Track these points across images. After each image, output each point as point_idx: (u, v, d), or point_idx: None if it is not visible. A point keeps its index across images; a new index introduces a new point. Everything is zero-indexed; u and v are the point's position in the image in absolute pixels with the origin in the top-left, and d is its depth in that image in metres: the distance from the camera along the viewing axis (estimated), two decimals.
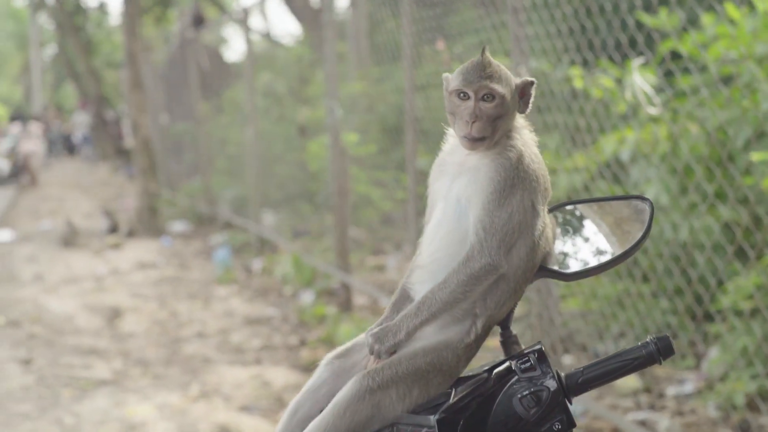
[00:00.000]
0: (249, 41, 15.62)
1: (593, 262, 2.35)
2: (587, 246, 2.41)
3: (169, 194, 22.91)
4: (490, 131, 2.25)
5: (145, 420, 7.57)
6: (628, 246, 2.31)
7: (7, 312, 11.68)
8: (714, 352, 6.49)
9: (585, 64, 6.87)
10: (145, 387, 8.50)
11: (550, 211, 2.47)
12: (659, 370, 6.94)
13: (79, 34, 35.29)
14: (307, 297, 11.50)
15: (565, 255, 2.41)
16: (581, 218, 2.48)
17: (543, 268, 2.33)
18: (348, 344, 2.38)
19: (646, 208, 2.34)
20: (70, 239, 17.47)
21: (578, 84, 6.67)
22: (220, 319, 11.05)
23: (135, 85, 19.30)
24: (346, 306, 10.62)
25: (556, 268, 2.35)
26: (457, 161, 2.33)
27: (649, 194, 6.57)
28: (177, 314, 11.42)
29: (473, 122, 2.24)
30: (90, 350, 9.81)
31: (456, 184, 2.30)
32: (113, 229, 18.49)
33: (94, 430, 7.40)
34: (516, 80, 2.30)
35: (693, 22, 7.17)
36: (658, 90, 6.71)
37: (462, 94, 2.28)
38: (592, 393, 6.80)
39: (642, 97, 6.35)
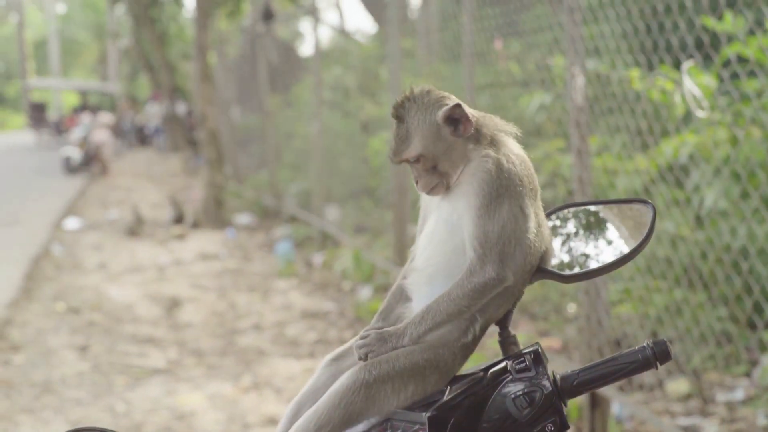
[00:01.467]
0: (317, 35, 15.65)
1: (593, 264, 2.34)
2: (587, 248, 2.40)
3: (236, 187, 23.05)
4: (436, 180, 2.29)
5: (195, 409, 7.62)
6: (629, 249, 2.29)
7: (68, 299, 11.83)
8: (767, 360, 6.36)
9: (649, 66, 6.76)
10: (197, 377, 8.55)
11: (551, 213, 2.48)
12: (711, 375, 6.82)
13: (154, 25, 35.64)
14: (365, 293, 11.49)
15: (565, 257, 2.40)
16: (582, 220, 2.46)
17: (542, 269, 2.32)
18: (346, 345, 2.40)
19: (649, 210, 2.32)
20: (136, 229, 17.65)
21: (635, 86, 6.57)
22: (277, 312, 11.09)
23: (204, 78, 19.44)
24: None
25: (555, 269, 2.34)
26: None
27: (709, 199, 6.45)
28: (235, 306, 11.48)
29: (416, 182, 2.32)
30: (147, 339, 9.89)
31: (444, 202, 2.33)
32: (179, 219, 18.63)
33: (144, 418, 7.46)
34: (440, 112, 2.27)
35: (760, 23, 7.02)
36: (722, 93, 6.59)
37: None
38: (639, 397, 6.71)
39: (691, 99, 6.23)
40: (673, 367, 6.81)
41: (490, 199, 2.21)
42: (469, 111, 2.29)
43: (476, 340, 2.27)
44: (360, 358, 2.25)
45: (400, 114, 2.29)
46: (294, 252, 14.67)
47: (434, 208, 2.35)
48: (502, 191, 2.21)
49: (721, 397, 6.60)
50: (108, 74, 59.79)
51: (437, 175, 2.28)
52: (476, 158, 2.26)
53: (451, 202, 2.29)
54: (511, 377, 2.16)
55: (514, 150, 2.29)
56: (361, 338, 2.29)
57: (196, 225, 18.39)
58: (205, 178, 19.27)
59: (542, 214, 2.33)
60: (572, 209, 2.50)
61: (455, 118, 2.27)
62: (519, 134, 2.35)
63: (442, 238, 2.30)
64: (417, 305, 2.32)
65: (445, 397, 2.17)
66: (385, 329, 2.27)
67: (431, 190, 2.30)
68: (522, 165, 2.27)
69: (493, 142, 2.29)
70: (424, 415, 2.12)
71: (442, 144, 2.27)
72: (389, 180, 11.49)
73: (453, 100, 2.29)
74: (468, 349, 2.27)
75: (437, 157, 2.27)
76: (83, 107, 38.57)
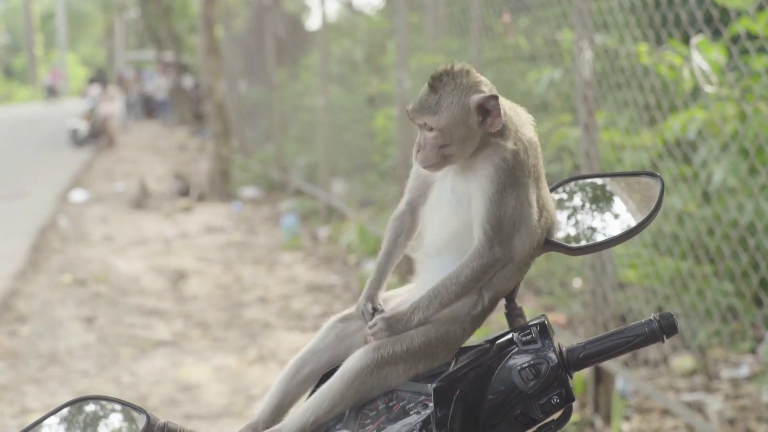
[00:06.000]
0: (324, 8, 15.59)
1: (600, 237, 2.33)
2: (594, 221, 2.38)
3: (243, 160, 23.03)
4: (437, 159, 2.24)
5: (199, 381, 7.64)
6: (636, 222, 2.28)
7: (75, 271, 11.85)
8: None
9: (657, 40, 6.73)
10: (203, 349, 8.57)
11: (558, 186, 2.46)
12: (716, 352, 6.82)
13: None
14: (370, 266, 11.48)
15: (572, 230, 2.38)
16: (588, 193, 2.44)
17: (549, 242, 2.31)
18: (352, 308, 2.37)
19: (657, 184, 2.30)
20: (142, 201, 17.66)
21: (643, 61, 6.53)
22: (282, 285, 11.10)
23: (210, 51, 19.40)
24: (407, 275, 10.58)
25: (562, 242, 2.33)
26: None
27: (717, 175, 6.43)
28: (241, 279, 11.50)
29: (417, 151, 2.25)
30: (152, 311, 9.91)
31: (453, 177, 2.29)
32: (184, 192, 18.63)
33: (149, 390, 7.48)
34: (475, 97, 2.22)
35: None
36: (731, 68, 6.56)
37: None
38: (644, 372, 6.71)
39: (700, 74, 6.20)
40: (678, 342, 6.80)
41: (504, 186, 2.19)
42: (503, 104, 2.24)
43: (485, 313, 2.27)
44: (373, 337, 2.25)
45: (435, 85, 2.24)
46: (299, 225, 14.67)
47: (438, 179, 2.32)
48: (514, 180, 2.20)
49: (725, 373, 6.60)
50: (115, 47, 59.66)
51: (441, 155, 2.23)
52: (493, 144, 2.23)
53: (462, 181, 2.26)
54: (517, 349, 2.15)
55: (528, 137, 2.26)
56: (369, 323, 2.27)
57: (201, 198, 18.39)
58: (212, 151, 19.26)
59: (546, 190, 2.31)
60: (579, 182, 2.48)
61: (487, 109, 2.22)
62: (533, 122, 2.32)
63: (447, 213, 2.28)
64: (425, 278, 2.31)
65: (451, 369, 2.16)
66: (392, 314, 2.25)
67: (429, 167, 2.26)
68: (533, 153, 2.25)
69: (511, 129, 2.25)
70: (430, 387, 2.11)
71: (464, 130, 2.22)
72: (395, 154, 11.47)
73: (490, 89, 2.24)
74: (477, 323, 2.27)
75: (453, 140, 2.22)
76: (96, 79, 38.43)
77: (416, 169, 2.37)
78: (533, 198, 2.23)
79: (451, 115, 2.22)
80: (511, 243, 2.21)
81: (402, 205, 2.40)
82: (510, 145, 2.23)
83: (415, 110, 2.25)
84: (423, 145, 2.24)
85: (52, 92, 58.43)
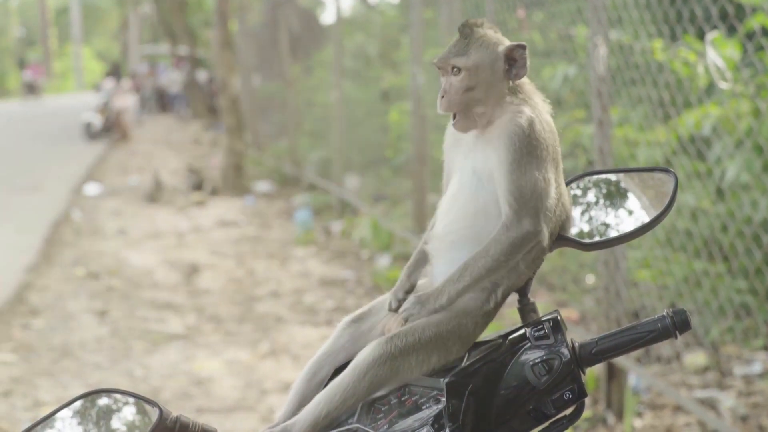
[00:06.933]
0: (338, 2, 15.59)
1: (613, 233, 2.32)
2: (608, 217, 2.37)
3: (256, 154, 23.05)
4: (461, 104, 2.25)
5: (212, 375, 7.65)
6: (649, 218, 2.27)
7: (88, 264, 11.88)
8: None
9: (672, 36, 6.71)
10: (215, 343, 8.58)
11: (572, 181, 2.45)
12: (729, 348, 6.80)
13: None
14: (383, 261, 11.50)
15: (586, 225, 2.37)
16: (602, 189, 2.44)
17: (562, 237, 2.30)
18: (365, 308, 2.37)
19: (671, 180, 2.29)
20: (156, 195, 17.69)
21: (657, 57, 6.52)
22: (295, 280, 11.11)
23: (225, 45, 19.43)
24: None
25: (575, 237, 2.32)
26: (472, 132, 2.30)
27: (731, 171, 6.41)
28: (254, 273, 11.51)
29: (441, 97, 2.26)
30: (165, 305, 9.93)
31: (471, 155, 2.29)
32: (198, 186, 18.66)
33: (162, 383, 7.50)
34: (502, 46, 2.26)
35: None
36: (746, 65, 6.54)
37: (440, 71, 2.30)
38: (657, 369, 6.70)
39: (714, 71, 6.18)
40: (690, 339, 6.79)
41: (522, 154, 2.19)
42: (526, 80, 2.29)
43: (497, 307, 2.25)
44: (404, 320, 2.24)
45: (466, 32, 2.28)
46: (312, 220, 14.68)
47: (458, 166, 2.32)
48: (531, 149, 2.20)
49: (738, 370, 6.59)
50: (129, 41, 59.76)
51: (465, 100, 2.25)
52: (510, 112, 2.24)
53: (479, 156, 2.26)
54: (529, 344, 2.14)
55: (545, 116, 2.28)
56: (398, 302, 2.28)
57: (215, 192, 18.41)
58: (225, 145, 19.28)
59: (563, 184, 2.31)
60: (593, 178, 2.48)
61: (514, 58, 2.26)
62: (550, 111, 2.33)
63: (466, 198, 2.27)
64: (439, 271, 2.30)
65: (464, 364, 2.16)
66: (422, 292, 2.25)
67: (453, 115, 2.26)
68: (551, 133, 2.25)
69: (529, 102, 2.27)
70: (442, 381, 2.11)
71: (490, 75, 2.25)
72: (409, 149, 11.47)
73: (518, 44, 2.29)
74: (489, 317, 2.26)
75: (479, 82, 2.25)
76: (111, 72, 38.43)
77: (446, 160, 2.37)
78: (552, 177, 2.23)
79: (480, 57, 2.25)
80: (539, 217, 2.19)
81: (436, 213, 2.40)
82: (527, 111, 2.24)
83: (443, 57, 2.27)
84: (447, 90, 2.26)
85: (31, 89, 55.09)
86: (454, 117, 2.27)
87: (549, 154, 2.23)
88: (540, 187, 2.19)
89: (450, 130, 2.35)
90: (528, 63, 2.26)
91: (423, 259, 2.37)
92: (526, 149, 2.20)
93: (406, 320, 2.23)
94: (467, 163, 2.29)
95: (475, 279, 2.21)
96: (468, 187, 2.27)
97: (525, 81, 2.30)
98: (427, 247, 2.35)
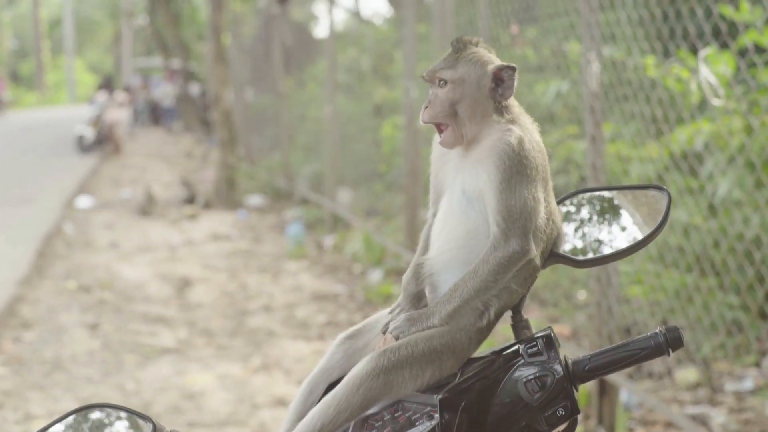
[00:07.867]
0: (332, 17, 15.62)
1: (607, 250, 2.34)
2: (601, 234, 2.39)
3: (249, 168, 23.05)
4: (445, 115, 2.28)
5: (204, 389, 7.64)
6: (643, 235, 2.29)
7: (80, 277, 11.86)
8: None
9: (665, 53, 6.73)
10: (207, 357, 8.57)
11: (565, 198, 2.48)
12: (720, 365, 6.81)
13: (169, 5, 35.67)
14: (375, 276, 11.49)
15: (579, 242, 2.39)
16: (596, 206, 2.45)
17: (555, 254, 2.32)
18: (359, 325, 2.40)
19: (664, 197, 2.31)
20: (148, 208, 17.67)
21: (650, 73, 6.54)
22: (287, 294, 11.10)
23: (218, 58, 19.46)
24: None
25: (568, 254, 2.34)
26: (459, 151, 2.32)
27: (723, 187, 6.43)
28: (246, 287, 11.50)
29: (425, 107, 2.29)
30: (157, 318, 9.92)
31: (460, 175, 2.31)
32: (190, 199, 18.64)
33: (154, 397, 7.48)
34: (492, 65, 2.29)
35: None
36: (738, 81, 6.56)
37: (429, 83, 2.33)
38: (648, 385, 6.70)
39: (707, 87, 6.21)
40: (682, 355, 6.80)
41: (511, 173, 2.21)
42: (514, 101, 2.32)
43: (491, 325, 2.27)
44: (395, 337, 2.26)
45: (458, 47, 2.31)
46: (305, 234, 14.67)
47: (448, 186, 2.33)
48: (521, 168, 2.21)
49: (730, 386, 6.59)
50: (122, 54, 59.73)
51: (449, 112, 2.27)
52: (498, 131, 2.26)
53: (468, 175, 2.28)
54: (523, 361, 2.16)
55: (535, 135, 2.29)
56: (392, 320, 2.30)
57: (207, 205, 18.39)
58: (218, 159, 19.28)
59: (554, 202, 2.33)
60: (586, 195, 2.49)
61: (501, 78, 2.28)
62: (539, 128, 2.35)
63: (456, 219, 2.29)
64: (432, 293, 2.32)
65: (457, 380, 2.17)
66: (413, 312, 2.28)
67: (434, 122, 2.28)
68: (540, 153, 2.27)
69: (517, 122, 2.28)
70: (436, 397, 2.12)
71: (476, 90, 2.27)
72: (401, 164, 11.48)
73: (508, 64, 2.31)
74: (483, 334, 2.27)
75: (464, 97, 2.27)
76: (105, 85, 38.38)
77: (433, 178, 2.39)
78: (541, 197, 2.25)
79: (467, 73, 2.28)
80: (527, 237, 2.21)
81: (429, 218, 2.42)
82: (517, 130, 2.25)
83: (431, 69, 2.31)
84: (432, 101, 2.29)
85: None
86: (440, 132, 2.29)
87: (539, 173, 2.24)
88: (529, 207, 2.21)
89: (438, 147, 2.38)
90: (515, 84, 2.28)
91: (416, 285, 2.38)
92: (516, 168, 2.21)
93: (397, 339, 2.25)
94: (456, 183, 2.31)
95: (465, 300, 2.23)
96: (458, 208, 2.29)
97: (513, 102, 2.32)
98: (421, 270, 2.36)
